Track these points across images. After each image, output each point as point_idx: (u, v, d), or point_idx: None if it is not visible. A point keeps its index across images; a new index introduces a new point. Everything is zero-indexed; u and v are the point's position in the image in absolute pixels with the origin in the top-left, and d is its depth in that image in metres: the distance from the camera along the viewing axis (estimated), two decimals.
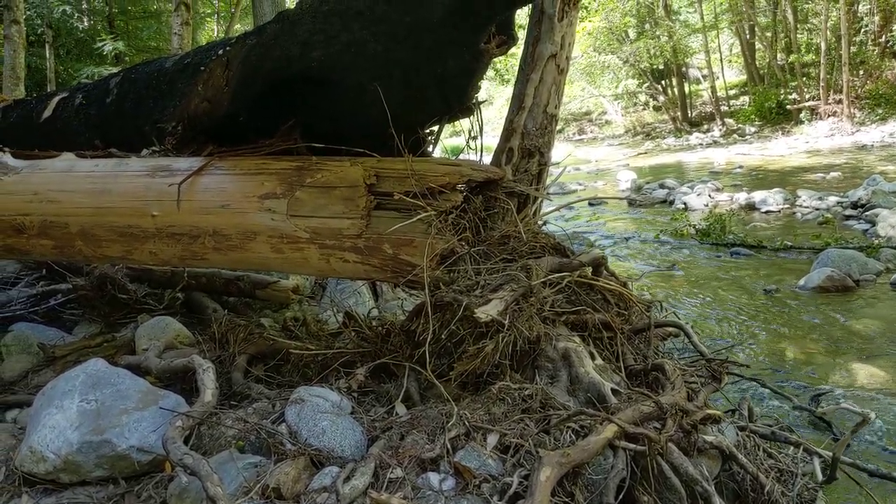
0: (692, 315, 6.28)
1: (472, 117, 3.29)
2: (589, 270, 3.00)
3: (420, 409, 2.78)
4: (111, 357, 3.72)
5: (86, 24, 13.73)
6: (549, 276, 2.81)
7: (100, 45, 11.13)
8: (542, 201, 3.22)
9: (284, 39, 2.92)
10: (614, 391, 2.62)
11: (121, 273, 4.24)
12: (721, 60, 28.40)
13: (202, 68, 3.14)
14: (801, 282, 6.88)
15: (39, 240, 3.44)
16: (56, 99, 4.63)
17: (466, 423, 2.52)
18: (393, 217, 2.96)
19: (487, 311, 2.62)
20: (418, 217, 2.87)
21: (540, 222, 3.18)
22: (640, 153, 23.28)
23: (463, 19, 2.77)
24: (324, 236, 3.00)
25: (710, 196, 12.27)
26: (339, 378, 3.17)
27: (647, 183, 14.63)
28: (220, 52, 3.05)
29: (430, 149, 3.38)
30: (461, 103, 3.16)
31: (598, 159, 22.49)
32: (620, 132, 30.25)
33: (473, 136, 3.29)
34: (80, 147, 4.34)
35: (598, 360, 2.82)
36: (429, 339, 2.77)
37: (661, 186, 13.65)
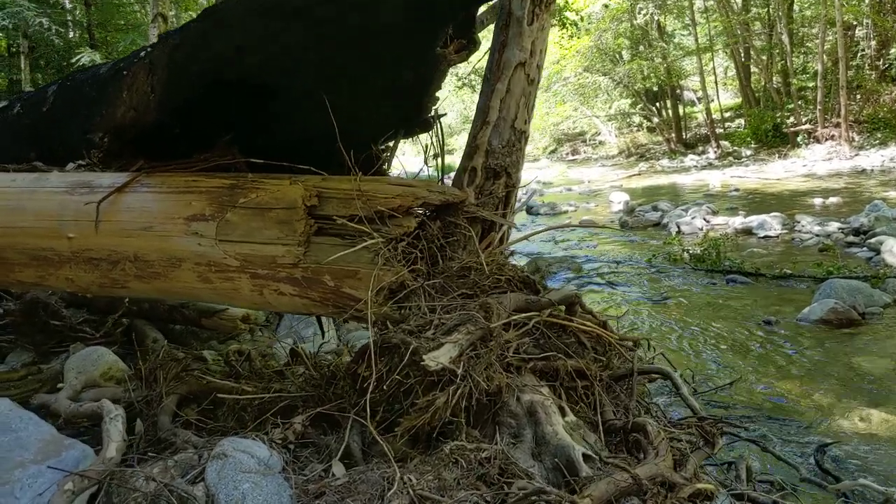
0: (684, 348, 5.88)
1: (431, 132, 2.92)
2: (562, 309, 2.60)
3: (361, 471, 2.38)
4: (33, 392, 3.33)
5: (71, 35, 13.42)
6: (514, 317, 2.41)
7: (77, 56, 10.80)
8: (508, 229, 2.84)
9: (214, 40, 2.56)
10: (586, 457, 2.22)
11: (55, 298, 3.83)
12: (716, 83, 28.23)
13: (125, 73, 2.77)
14: (803, 313, 6.48)
15: None
16: None
17: (411, 491, 2.13)
18: (335, 244, 2.57)
19: (437, 359, 2.23)
20: (363, 245, 2.49)
21: (507, 251, 2.79)
22: (634, 174, 22.94)
23: (417, 20, 2.41)
24: (256, 265, 2.61)
25: (704, 220, 11.88)
26: (277, 425, 2.78)
27: (641, 205, 14.26)
28: (143, 54, 2.68)
29: (385, 167, 3.00)
30: (418, 115, 2.78)
31: (591, 180, 22.13)
32: (614, 153, 29.98)
33: (435, 154, 2.91)
34: (16, 161, 3.97)
35: (570, 417, 2.42)
36: (371, 388, 2.37)
37: (655, 209, 13.27)
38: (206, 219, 2.69)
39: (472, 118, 2.88)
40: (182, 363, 3.20)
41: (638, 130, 30.71)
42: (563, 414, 2.42)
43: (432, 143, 2.90)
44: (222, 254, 2.63)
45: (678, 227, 11.48)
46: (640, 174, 22.81)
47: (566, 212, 14.97)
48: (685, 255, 9.06)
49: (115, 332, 3.87)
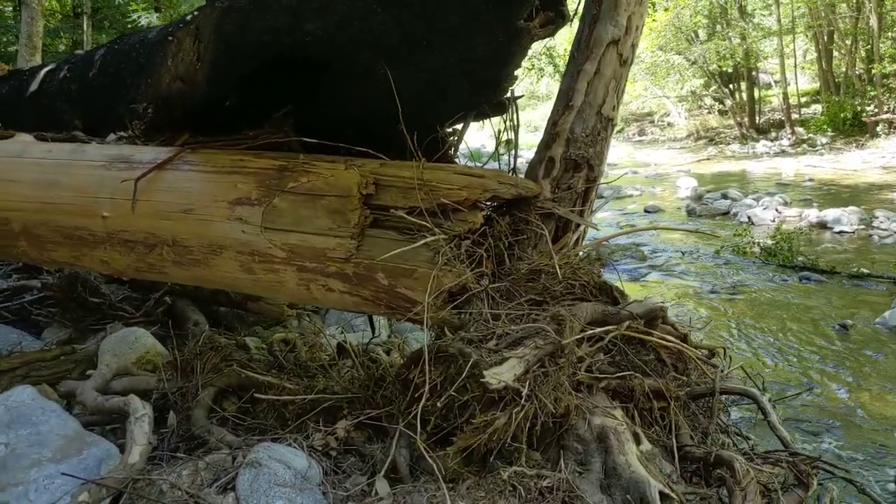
0: (753, 349, 5.46)
1: (505, 115, 2.59)
2: (640, 322, 2.27)
3: (407, 490, 2.14)
4: (65, 375, 3.19)
5: None
6: (588, 331, 2.10)
7: (134, 17, 10.71)
8: (586, 228, 2.51)
9: (267, 5, 2.29)
10: (663, 496, 1.92)
11: (95, 273, 3.69)
12: (795, 66, 26.72)
13: (170, 38, 2.52)
14: (882, 318, 5.97)
15: None
16: (44, 71, 4.12)
17: None
18: (392, 238, 2.30)
19: (500, 375, 1.95)
20: (423, 241, 2.21)
21: (581, 254, 2.47)
22: (703, 159, 21.97)
23: None
24: (304, 257, 2.36)
25: (776, 210, 11.20)
26: (319, 429, 2.55)
27: (709, 192, 13.57)
28: (189, 17, 2.43)
29: (451, 152, 2.69)
30: (492, 97, 2.46)
31: (658, 163, 21.28)
32: (683, 135, 28.76)
33: (507, 141, 2.59)
34: (62, 129, 3.82)
35: (645, 445, 2.11)
36: (423, 401, 2.11)
37: (724, 197, 12.58)
38: (251, 203, 2.45)
39: (539, 95, 2.55)
40: (222, 352, 3.00)
41: (709, 113, 29.41)
42: (638, 441, 2.11)
43: (505, 126, 2.57)
44: (267, 243, 2.39)
45: (748, 217, 10.86)
46: (709, 159, 21.87)
47: (631, 196, 14.40)
48: (756, 247, 8.52)
49: (155, 311, 3.72)
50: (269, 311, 3.77)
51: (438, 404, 2.04)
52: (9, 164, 2.84)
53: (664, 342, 2.27)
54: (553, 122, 2.47)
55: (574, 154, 2.42)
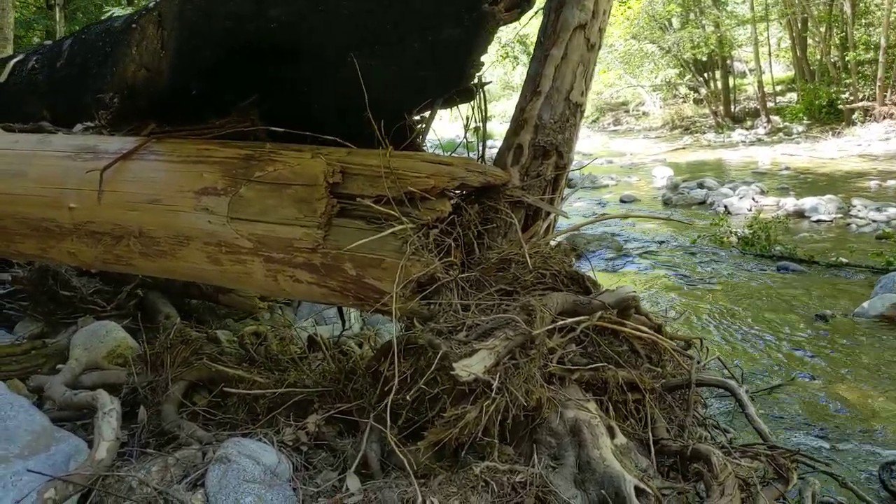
0: (731, 340, 5.49)
1: (473, 102, 2.57)
2: (613, 312, 2.27)
3: (378, 486, 2.11)
4: (36, 369, 3.14)
5: None
6: (559, 322, 2.09)
7: (107, 8, 10.52)
8: (556, 217, 2.49)
9: None
10: (639, 490, 1.91)
11: (65, 266, 3.62)
12: (770, 54, 26.91)
13: (134, 26, 2.46)
14: (861, 308, 6.01)
15: None
16: (12, 62, 4.03)
17: None
18: (359, 228, 2.27)
19: (470, 368, 1.93)
20: (391, 231, 2.18)
21: (553, 243, 2.45)
22: (678, 148, 22.07)
23: None
24: (271, 247, 2.33)
25: (753, 200, 11.27)
26: (290, 423, 2.53)
27: (685, 181, 13.62)
28: (152, 5, 2.37)
29: (419, 140, 2.66)
30: (459, 83, 2.43)
31: (633, 152, 21.33)
32: (658, 125, 28.88)
33: (475, 127, 2.56)
34: (30, 120, 3.74)
35: (620, 438, 2.10)
36: (392, 394, 2.09)
37: (700, 186, 12.64)
38: (217, 193, 2.40)
39: (515, 86, 2.51)
40: (192, 345, 2.95)
41: (684, 102, 29.54)
42: (612, 435, 2.10)
43: (473, 114, 2.55)
44: (234, 233, 2.35)
45: (725, 206, 10.93)
46: (684, 148, 21.98)
47: (606, 185, 14.43)
48: (733, 237, 8.57)
49: (127, 304, 3.66)
50: (240, 303, 3.72)
51: (409, 398, 2.02)
52: None
53: (638, 333, 2.27)
54: (521, 109, 2.45)
55: (543, 141, 2.40)
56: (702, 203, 11.73)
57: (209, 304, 3.82)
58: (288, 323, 3.55)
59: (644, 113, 30.78)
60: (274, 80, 2.65)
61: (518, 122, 2.43)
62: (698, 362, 2.67)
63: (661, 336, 2.41)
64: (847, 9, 22.38)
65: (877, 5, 22.37)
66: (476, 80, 2.44)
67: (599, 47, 2.44)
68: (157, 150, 2.60)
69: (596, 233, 8.77)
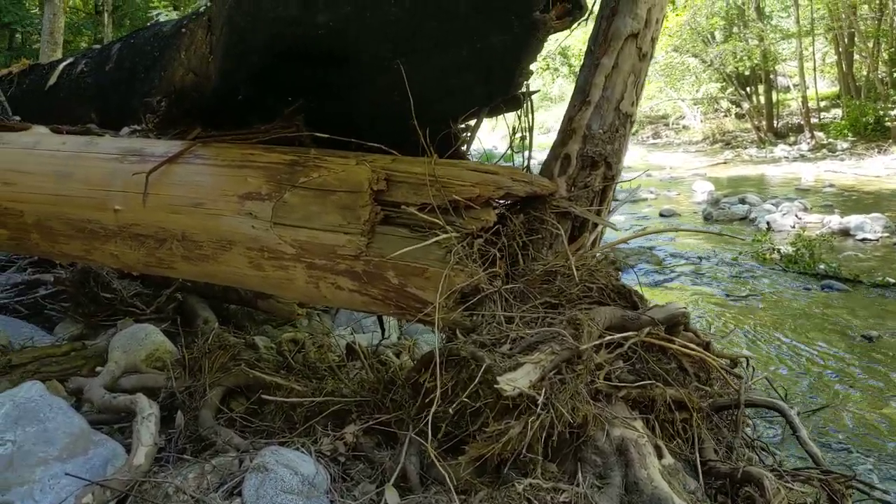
0: (773, 360, 5.32)
1: (520, 111, 2.52)
2: (661, 328, 2.19)
3: (417, 499, 2.07)
4: (75, 371, 3.16)
5: None
6: (607, 337, 2.02)
7: (153, 13, 10.76)
8: (603, 228, 2.43)
9: None
10: None
11: (107, 269, 3.66)
12: (815, 69, 26.36)
13: (183, 31, 2.49)
14: None
15: None
16: (62, 65, 4.12)
17: None
18: (403, 236, 2.23)
19: (515, 383, 1.87)
20: (435, 240, 2.14)
21: (599, 255, 2.39)
22: (719, 163, 21.70)
23: None
24: (313, 254, 2.31)
25: (796, 216, 11.00)
26: (327, 433, 2.49)
27: (726, 196, 13.38)
28: (202, 10, 2.39)
29: (464, 149, 2.63)
30: (506, 91, 2.39)
31: (673, 166, 21.03)
32: (698, 139, 28.47)
33: (522, 137, 2.52)
34: (80, 121, 3.81)
35: (668, 459, 2.02)
36: (434, 407, 2.04)
37: (742, 201, 12.40)
38: (261, 198, 2.39)
39: (553, 97, 2.46)
40: (230, 351, 2.95)
41: (725, 116, 29.06)
42: (660, 455, 2.02)
43: (520, 123, 2.50)
44: (277, 239, 2.34)
45: (767, 223, 10.67)
46: (725, 163, 21.59)
47: (646, 199, 14.24)
48: (776, 254, 8.36)
49: (166, 308, 3.68)
50: (279, 309, 3.72)
51: (451, 410, 1.96)
52: (24, 156, 2.82)
53: (686, 350, 2.18)
54: (569, 118, 2.39)
55: (591, 151, 2.35)
56: (743, 219, 11.49)
57: (248, 310, 3.83)
58: (326, 330, 3.54)
59: (684, 126, 30.34)
60: (319, 86, 2.65)
61: (566, 132, 2.38)
62: (746, 382, 2.57)
63: (709, 354, 2.32)
64: None
65: None
66: (524, 89, 2.40)
67: (651, 57, 2.37)
68: (202, 154, 2.61)
69: (634, 247, 8.63)
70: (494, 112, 2.53)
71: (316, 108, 2.72)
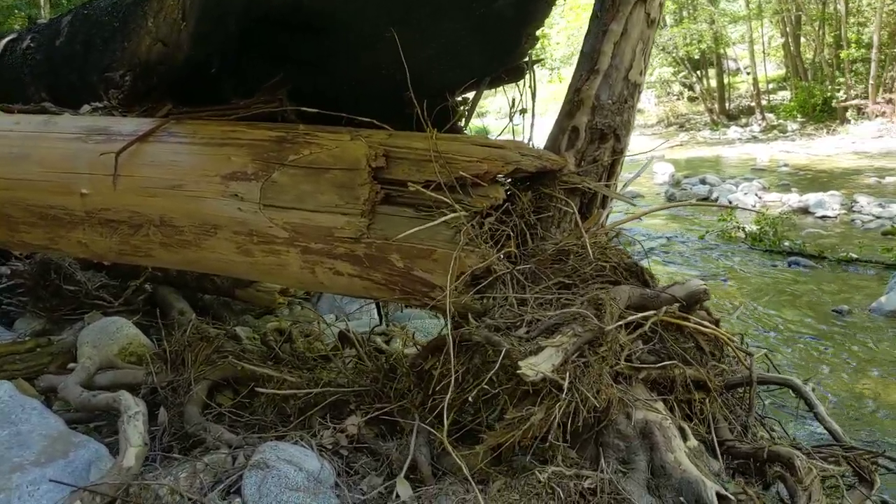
0: (750, 336, 5.35)
1: (521, 81, 2.39)
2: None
3: (432, 493, 1.95)
4: (42, 368, 2.93)
5: None
6: (628, 317, 1.92)
7: None
8: (612, 202, 2.33)
9: None
10: (720, 496, 1.75)
11: (69, 260, 3.41)
12: (764, 52, 26.90)
13: None
14: (878, 302, 5.92)
15: None
16: (4, 41, 3.80)
17: None
18: (407, 216, 2.09)
19: (537, 367, 1.75)
20: (443, 219, 2.00)
21: (611, 233, 2.29)
22: (676, 145, 22.00)
23: None
24: (308, 237, 2.14)
25: (757, 195, 11.20)
26: (326, 425, 2.35)
27: (687, 177, 13.55)
28: None
29: (461, 123, 2.49)
30: (508, 60, 2.25)
31: (631, 149, 21.22)
32: (653, 122, 28.82)
33: (522, 109, 2.39)
34: (31, 100, 3.52)
35: (692, 441, 1.94)
36: (449, 395, 1.91)
37: (703, 182, 12.56)
38: (247, 178, 2.21)
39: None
40: (213, 343, 2.76)
41: (678, 99, 29.52)
42: (685, 437, 1.95)
43: (521, 94, 2.37)
44: (268, 222, 2.16)
45: (729, 202, 10.83)
46: (682, 145, 21.91)
47: None
48: (741, 232, 8.47)
49: (136, 300, 3.45)
50: (258, 298, 3.53)
51: (470, 398, 1.84)
52: None
53: (702, 328, 2.11)
54: (576, 89, 2.27)
55: (600, 123, 2.23)
56: (705, 198, 11.64)
57: (224, 300, 3.62)
58: (314, 318, 3.36)
59: (639, 110, 30.67)
60: (303, 55, 2.47)
61: (573, 103, 2.25)
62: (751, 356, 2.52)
63: (722, 332, 2.25)
64: (840, 7, 22.41)
65: (869, 4, 22.41)
66: (528, 58, 2.27)
67: (658, 24, 2.27)
68: (177, 132, 2.40)
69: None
70: (495, 83, 2.39)
71: (298, 83, 2.54)
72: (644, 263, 2.28)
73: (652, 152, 2.56)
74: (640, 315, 1.95)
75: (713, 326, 2.18)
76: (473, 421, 2.12)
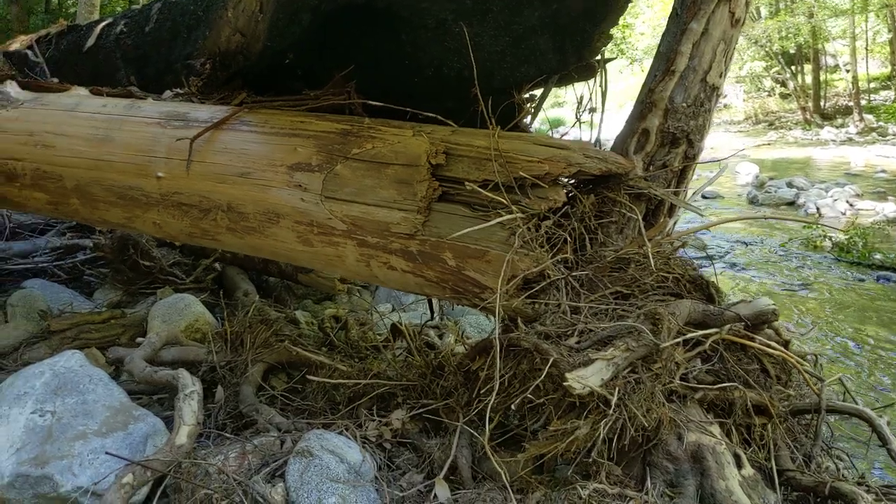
0: (830, 355, 5.07)
1: (592, 80, 2.32)
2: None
3: (470, 496, 1.94)
4: (115, 339, 3.09)
5: None
6: (686, 334, 1.84)
7: None
8: (681, 211, 2.23)
9: None
10: None
11: (146, 237, 3.57)
12: (867, 49, 25.28)
13: None
14: None
15: (32, 191, 2.78)
16: (100, 26, 4.00)
17: None
18: (462, 215, 2.07)
19: (585, 380, 1.71)
20: (498, 220, 1.97)
21: (677, 242, 2.19)
22: (763, 144, 21.02)
23: None
24: (365, 230, 2.15)
25: (848, 203, 10.55)
26: (372, 417, 2.37)
27: (772, 179, 12.92)
28: None
29: (527, 121, 2.44)
30: (582, 56, 2.18)
31: (714, 146, 20.38)
32: (740, 118, 27.63)
33: (591, 108, 2.32)
34: (120, 83, 3.69)
35: (748, 469, 1.85)
36: (492, 399, 1.89)
37: (789, 185, 11.94)
38: (311, 169, 2.24)
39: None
40: (272, 326, 2.84)
41: (769, 96, 28.15)
42: (740, 465, 1.85)
43: (591, 93, 2.30)
44: (328, 213, 2.19)
45: (816, 208, 10.25)
46: (769, 144, 20.92)
47: None
48: (827, 242, 8.02)
49: (205, 278, 3.59)
50: (319, 284, 3.60)
51: (513, 406, 1.81)
52: (63, 118, 2.70)
53: (768, 349, 1.99)
54: (649, 90, 2.18)
55: (673, 127, 2.14)
56: (791, 203, 11.07)
57: (287, 283, 3.72)
58: (367, 307, 3.41)
59: (725, 105, 29.45)
60: (373, 51, 2.48)
61: (645, 105, 2.16)
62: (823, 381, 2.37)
63: (791, 354, 2.13)
64: None
65: None
66: (600, 56, 2.19)
67: (743, 23, 2.14)
68: (249, 121, 2.46)
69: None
70: (564, 81, 2.33)
71: (367, 76, 2.55)
72: (710, 274, 2.17)
73: (727, 159, 2.42)
74: (700, 333, 1.86)
75: (781, 348, 2.06)
76: (519, 426, 2.10)
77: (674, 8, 2.15)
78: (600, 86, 2.27)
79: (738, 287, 6.75)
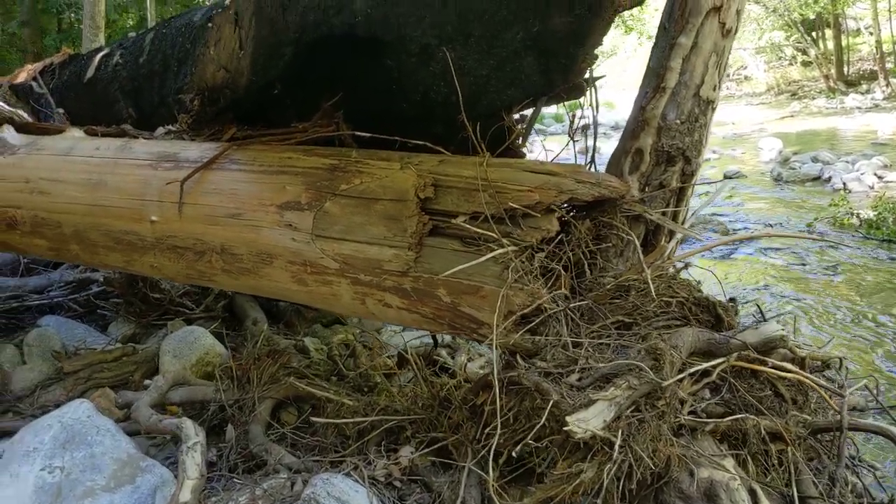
0: (859, 343, 4.90)
1: (582, 99, 2.24)
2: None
3: None
4: (128, 377, 3.11)
5: None
6: (692, 367, 1.76)
7: None
8: (681, 235, 2.14)
9: None
10: None
11: None
12: (889, 9, 24.45)
13: (209, 25, 2.29)
14: None
15: (33, 238, 2.79)
16: (98, 57, 4.00)
17: None
18: (454, 249, 2.01)
19: (586, 424, 1.65)
20: (489, 255, 1.91)
21: (679, 265, 2.11)
22: (786, 116, 20.49)
23: None
24: (358, 268, 2.11)
25: (876, 175, 10.21)
26: (381, 450, 2.35)
27: (796, 154, 12.57)
28: (227, 2, 2.17)
29: (519, 143, 2.37)
30: (567, 78, 2.11)
31: (736, 121, 19.91)
32: (762, 90, 26.98)
33: (582, 128, 2.24)
34: (116, 119, 3.69)
35: (764, 502, 1.77)
36: (496, 439, 1.84)
37: (814, 160, 11.58)
38: (301, 208, 2.20)
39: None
40: (280, 359, 2.81)
41: (790, 65, 27.44)
42: (756, 501, 1.77)
43: (582, 113, 2.22)
44: (319, 252, 2.15)
45: (843, 183, 9.94)
46: (792, 116, 20.40)
47: (708, 159, 13.51)
48: (855, 219, 7.76)
49: (216, 306, 3.58)
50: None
51: (514, 453, 1.76)
52: (59, 163, 2.70)
53: (782, 373, 1.91)
54: (640, 108, 2.09)
55: (667, 145, 2.05)
56: (816, 179, 10.75)
57: (297, 307, 3.70)
58: (376, 328, 3.37)
59: (746, 77, 28.78)
60: (357, 80, 2.42)
61: (637, 123, 2.08)
62: (842, 387, 2.27)
63: (807, 375, 2.03)
64: None
65: None
66: (588, 75, 2.11)
67: (735, 33, 2.04)
68: (238, 159, 2.43)
69: (699, 214, 8.16)
70: (553, 101, 2.25)
71: (354, 105, 2.50)
72: (720, 298, 2.08)
73: (719, 183, 2.32)
74: (706, 365, 1.78)
75: (796, 369, 1.97)
76: (529, 462, 2.05)
77: (661, 22, 2.06)
78: (591, 105, 2.19)
79: (763, 273, 6.56)
